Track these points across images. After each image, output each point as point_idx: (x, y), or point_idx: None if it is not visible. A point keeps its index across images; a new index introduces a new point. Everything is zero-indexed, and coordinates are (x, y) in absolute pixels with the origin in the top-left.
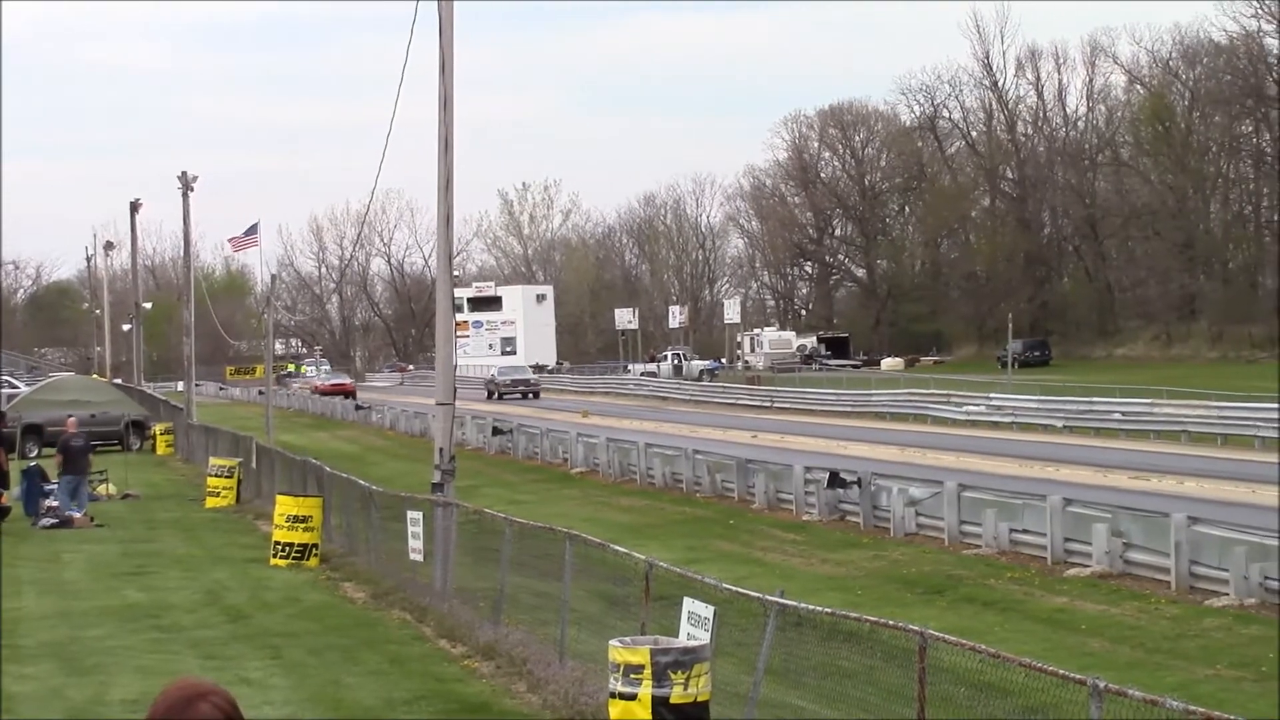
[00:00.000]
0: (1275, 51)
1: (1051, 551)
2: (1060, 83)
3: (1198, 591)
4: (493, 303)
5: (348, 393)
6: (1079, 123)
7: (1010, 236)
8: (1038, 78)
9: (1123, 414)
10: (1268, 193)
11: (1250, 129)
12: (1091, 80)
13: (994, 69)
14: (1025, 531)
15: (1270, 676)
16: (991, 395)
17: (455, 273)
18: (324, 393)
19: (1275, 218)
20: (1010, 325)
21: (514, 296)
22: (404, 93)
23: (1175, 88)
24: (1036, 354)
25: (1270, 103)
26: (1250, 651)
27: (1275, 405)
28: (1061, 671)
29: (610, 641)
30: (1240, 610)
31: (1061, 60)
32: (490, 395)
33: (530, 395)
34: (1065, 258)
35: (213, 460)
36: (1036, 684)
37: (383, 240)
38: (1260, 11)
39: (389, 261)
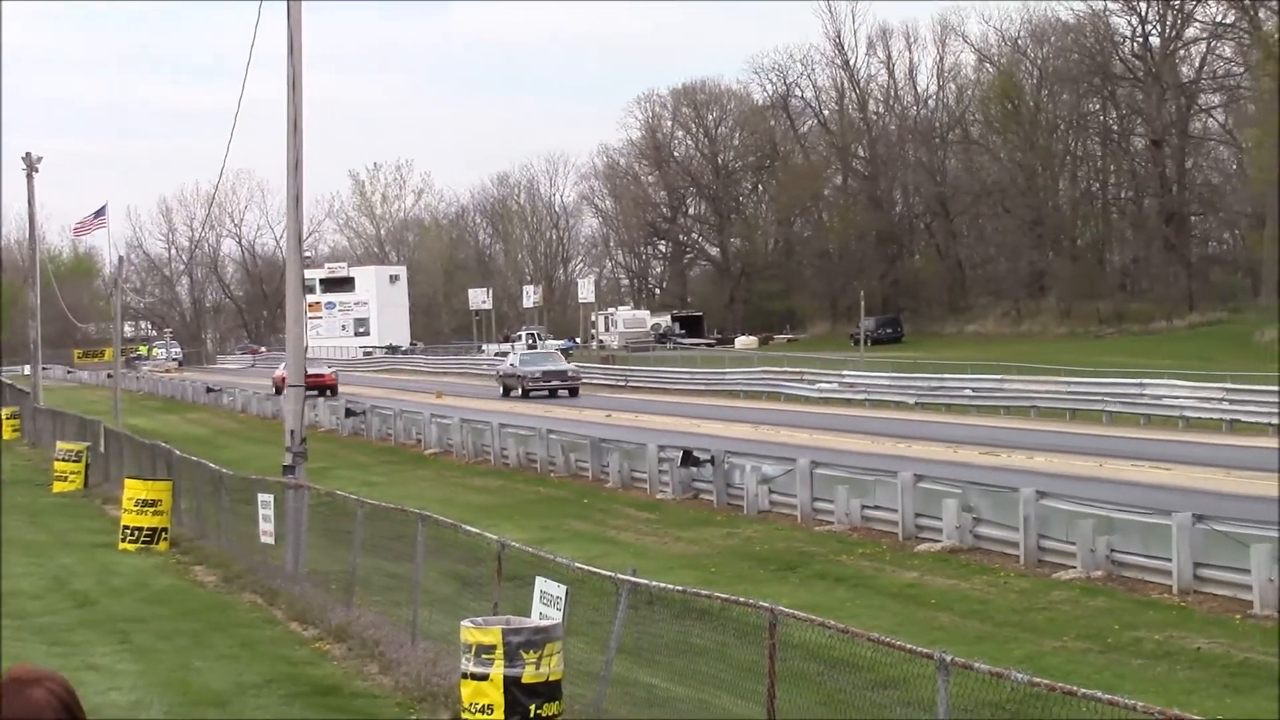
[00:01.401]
0: (1122, 30)
1: (903, 527)
2: (911, 61)
3: (1046, 565)
4: (345, 283)
5: (328, 386)
6: (929, 101)
7: (862, 214)
8: (889, 56)
9: (973, 390)
10: (1114, 170)
11: (1097, 107)
12: (942, 59)
13: (845, 48)
14: (877, 508)
15: (1117, 647)
16: (844, 372)
17: (307, 254)
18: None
19: (1122, 194)
20: (862, 303)
21: (367, 277)
22: (255, 73)
23: (1024, 66)
24: (889, 331)
25: (1117, 81)
26: (1097, 623)
27: (1172, 382)
28: (909, 646)
29: (462, 622)
30: (1087, 583)
31: (912, 39)
32: (508, 392)
33: (568, 393)
34: (916, 235)
35: (60, 444)
36: (886, 658)
37: (233, 221)
38: None
39: (240, 243)
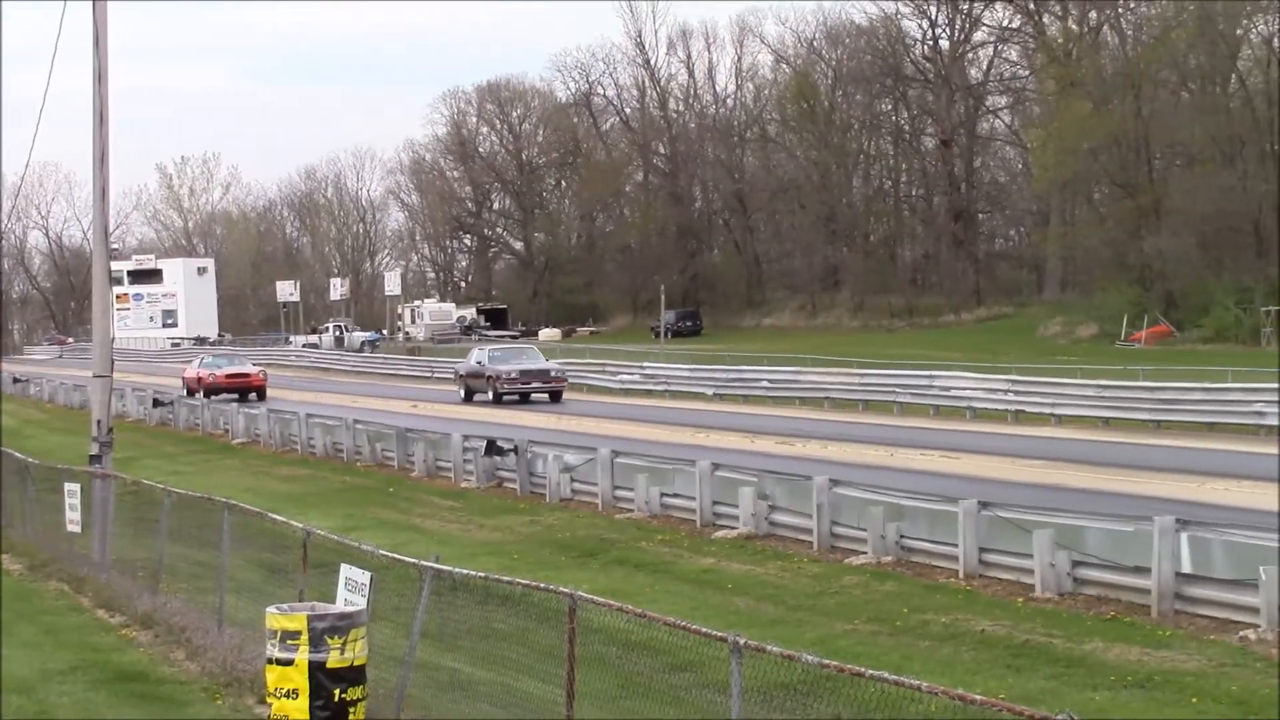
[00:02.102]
0: (913, 34)
1: (700, 514)
2: (710, 61)
3: (838, 551)
4: (153, 275)
5: (256, 388)
6: (728, 100)
7: (662, 210)
8: (689, 56)
9: (770, 381)
10: (906, 168)
11: (889, 107)
12: (740, 59)
13: (646, 47)
14: (676, 496)
15: (905, 630)
16: (645, 364)
17: (114, 246)
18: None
19: (913, 192)
20: (663, 296)
21: (175, 269)
22: (62, 64)
23: (819, 67)
24: (688, 324)
25: (908, 82)
26: (886, 607)
27: (960, 374)
28: (705, 630)
29: (268, 609)
30: (877, 568)
31: (711, 40)
32: (470, 396)
33: (549, 398)
34: (715, 231)
35: None
36: (682, 642)
37: (40, 213)
38: None
39: (47, 234)
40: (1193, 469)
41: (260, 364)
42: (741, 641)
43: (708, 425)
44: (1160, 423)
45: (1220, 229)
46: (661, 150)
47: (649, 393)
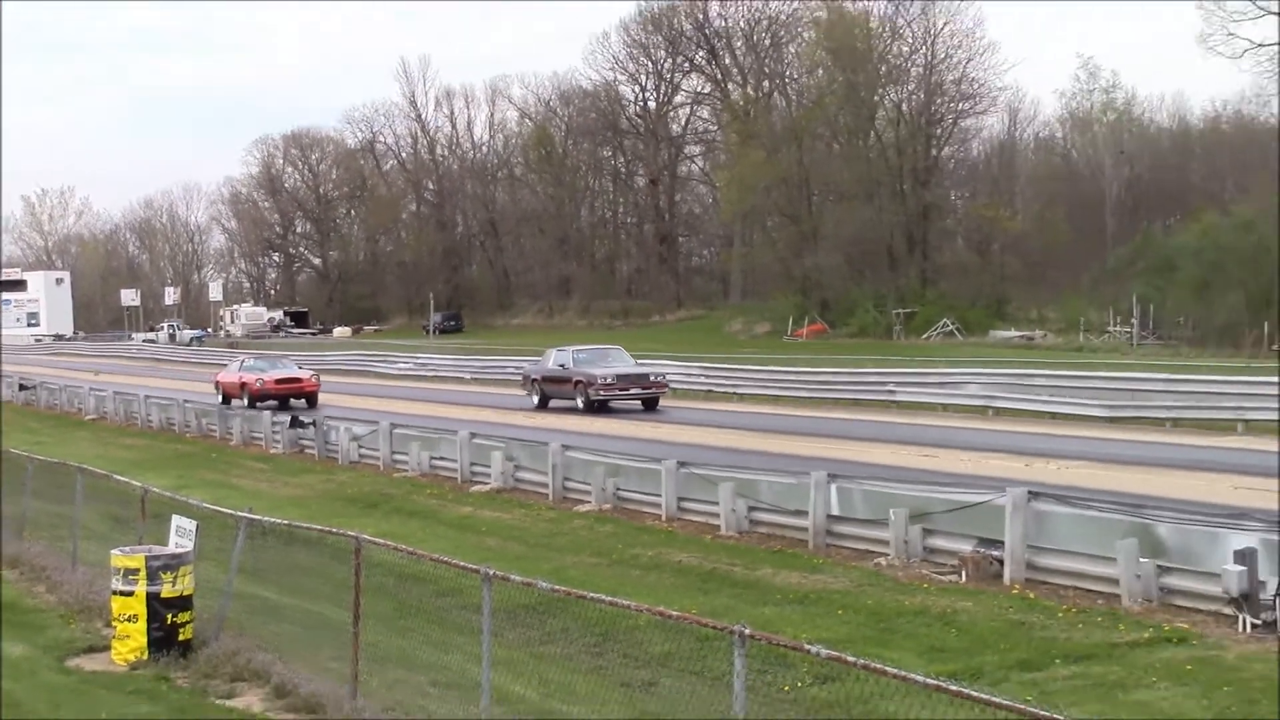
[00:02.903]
0: (628, 96)
1: (461, 473)
2: (469, 116)
3: (568, 500)
4: (19, 285)
5: (307, 394)
6: (483, 147)
7: (431, 234)
8: (451, 112)
9: (515, 368)
10: (622, 202)
11: (609, 153)
12: (492, 115)
13: (418, 104)
14: (442, 459)
15: (620, 561)
16: (418, 355)
17: None
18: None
19: (628, 220)
20: (431, 302)
21: (37, 280)
22: None
23: (554, 121)
24: (452, 323)
25: (624, 134)
26: (605, 544)
27: (664, 362)
28: (462, 563)
29: (113, 551)
30: (599, 514)
31: (470, 99)
32: (545, 402)
33: (643, 405)
34: (473, 250)
35: None
36: (445, 573)
37: None
38: (615, 64)
39: None
40: (842, 435)
41: (106, 355)
42: (491, 572)
43: (467, 403)
44: (818, 399)
45: (862, 250)
46: (430, 186)
47: (420, 377)
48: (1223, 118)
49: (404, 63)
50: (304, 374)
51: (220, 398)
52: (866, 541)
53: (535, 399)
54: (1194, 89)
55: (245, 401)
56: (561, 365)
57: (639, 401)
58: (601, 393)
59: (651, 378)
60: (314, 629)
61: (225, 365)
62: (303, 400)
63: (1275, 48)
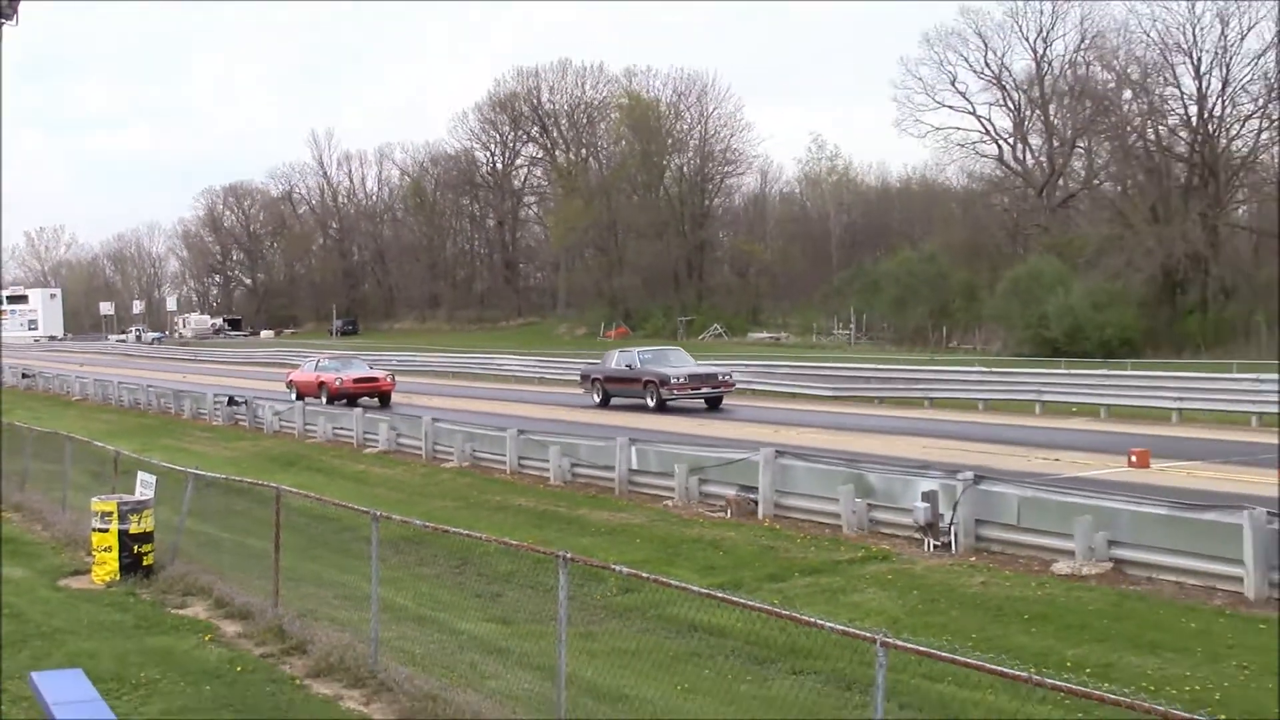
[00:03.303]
0: (481, 159)
1: (357, 440)
2: (363, 173)
3: (437, 460)
4: (22, 299)
5: (381, 393)
6: (373, 196)
7: (334, 261)
8: (350, 170)
9: (399, 361)
10: (478, 237)
11: (468, 201)
12: (380, 172)
13: (324, 164)
14: (342, 429)
15: (475, 505)
16: (325, 351)
17: None
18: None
19: (483, 250)
20: (334, 311)
21: (35, 295)
22: None
23: (427, 177)
24: (350, 328)
25: (478, 187)
26: (465, 492)
27: (508, 356)
28: (356, 507)
29: (93, 499)
30: (460, 470)
31: (363, 160)
32: (607, 400)
33: (707, 405)
34: (366, 273)
35: None
36: (344, 515)
37: None
38: (471, 135)
39: None
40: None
41: (88, 354)
42: (378, 513)
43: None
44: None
45: (655, 274)
46: (334, 225)
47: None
48: (912, 180)
49: (314, 133)
50: (379, 374)
51: (294, 395)
52: (658, 489)
53: (597, 397)
54: (892, 159)
55: (324, 399)
56: (628, 366)
57: (705, 403)
58: (675, 392)
59: (720, 377)
60: (245, 557)
61: (299, 365)
62: (375, 400)
63: (950, 130)
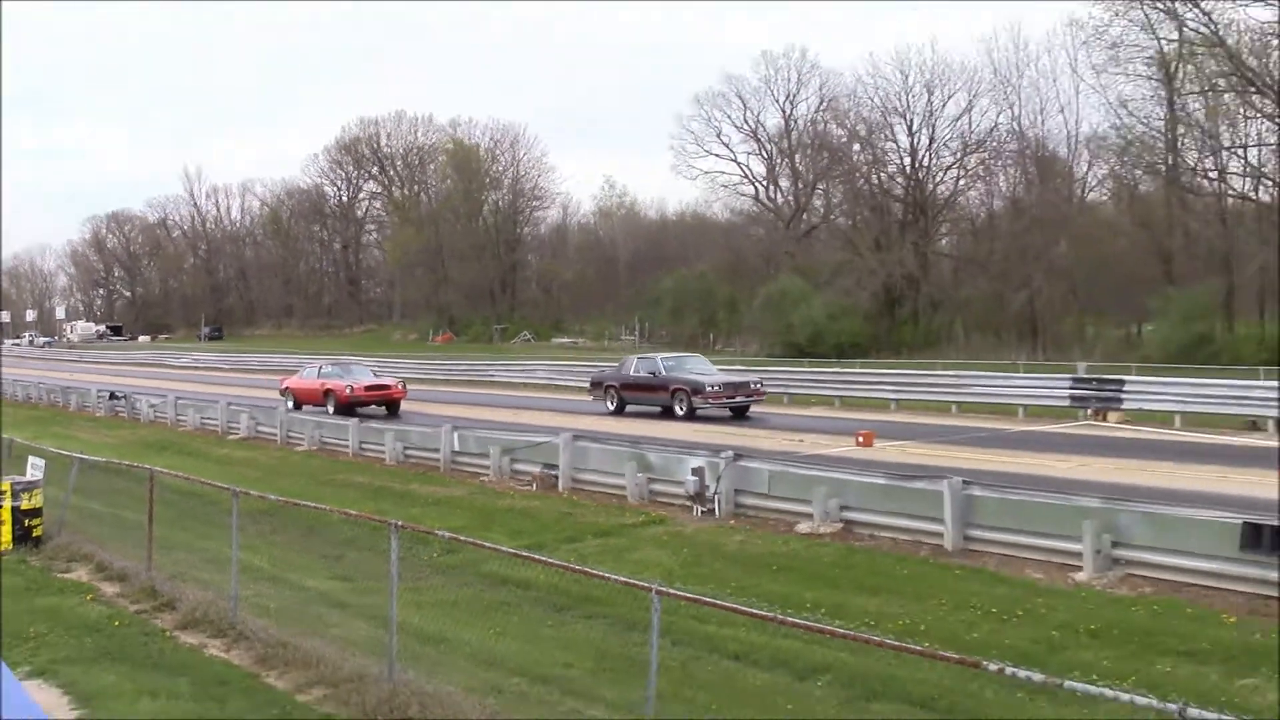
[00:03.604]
0: (330, 193)
1: (221, 427)
2: (229, 204)
3: (290, 443)
4: None
5: (391, 401)
6: (237, 222)
7: (201, 278)
8: (217, 202)
9: (259, 362)
10: (329, 258)
11: (318, 228)
12: (244, 202)
13: (195, 196)
14: (210, 418)
15: (323, 482)
16: (194, 354)
17: None
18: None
19: (333, 272)
20: (203, 319)
21: None
22: None
23: (283, 208)
24: (216, 334)
25: (325, 216)
26: (315, 472)
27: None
28: (220, 484)
29: None
30: (310, 452)
31: (229, 192)
32: (623, 407)
33: (734, 414)
34: (231, 288)
35: None
36: (209, 491)
37: None
38: (321, 173)
39: None
40: (481, 403)
41: None
42: (238, 490)
43: (232, 386)
44: (452, 380)
45: (475, 289)
46: (203, 248)
47: (196, 368)
48: (686, 214)
49: (186, 169)
50: (390, 381)
51: (290, 403)
52: (476, 467)
53: (611, 404)
54: (670, 196)
55: (330, 408)
56: (651, 373)
57: (732, 412)
58: (710, 401)
59: (752, 385)
60: (123, 529)
61: (296, 372)
62: (384, 408)
63: (716, 174)
